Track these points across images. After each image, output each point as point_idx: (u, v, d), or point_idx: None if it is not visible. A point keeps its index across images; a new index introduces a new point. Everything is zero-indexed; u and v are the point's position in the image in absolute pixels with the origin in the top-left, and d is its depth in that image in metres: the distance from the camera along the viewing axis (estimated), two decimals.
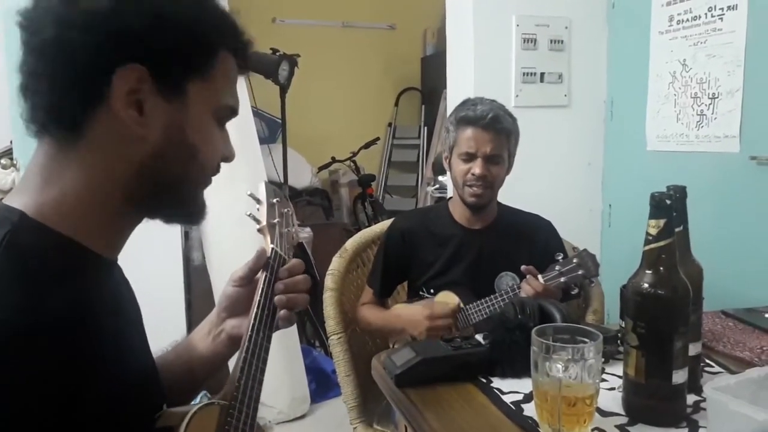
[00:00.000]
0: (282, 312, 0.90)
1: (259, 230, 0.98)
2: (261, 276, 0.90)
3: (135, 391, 0.71)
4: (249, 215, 0.98)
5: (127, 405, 0.68)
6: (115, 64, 0.64)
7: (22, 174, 0.69)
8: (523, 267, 1.51)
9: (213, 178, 0.77)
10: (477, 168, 1.60)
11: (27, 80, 0.67)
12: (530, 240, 1.69)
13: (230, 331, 0.91)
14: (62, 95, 0.66)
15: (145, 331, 0.81)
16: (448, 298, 1.65)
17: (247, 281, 0.92)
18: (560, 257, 1.50)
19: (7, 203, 0.67)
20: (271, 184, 1.05)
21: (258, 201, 1.01)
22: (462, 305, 1.59)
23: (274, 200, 1.00)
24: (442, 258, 1.70)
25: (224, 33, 0.73)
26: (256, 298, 0.88)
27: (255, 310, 0.86)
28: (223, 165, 0.78)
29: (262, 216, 0.99)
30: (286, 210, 1.02)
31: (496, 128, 1.60)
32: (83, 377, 0.61)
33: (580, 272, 1.48)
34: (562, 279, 1.48)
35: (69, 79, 0.65)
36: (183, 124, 0.69)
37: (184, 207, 0.76)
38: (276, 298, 0.89)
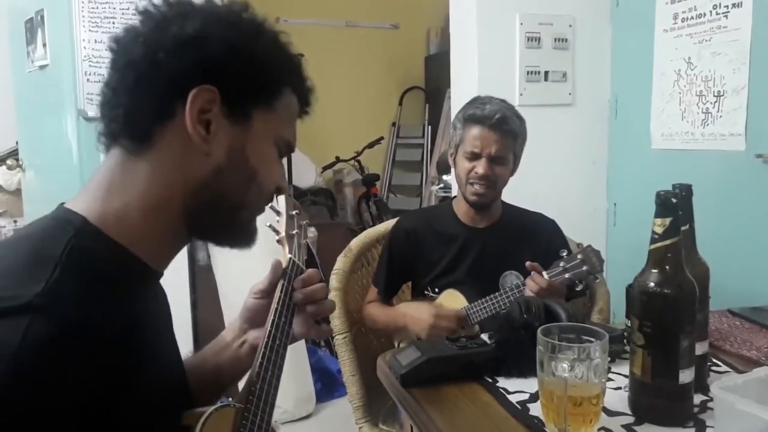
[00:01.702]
0: (324, 327, 0.97)
1: (278, 241, 1.01)
2: (278, 285, 0.93)
3: (167, 397, 0.73)
4: (269, 226, 1.01)
5: (160, 409, 0.70)
6: (192, 83, 0.70)
7: (87, 181, 0.73)
8: (527, 263, 1.51)
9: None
10: (480, 168, 1.60)
11: (109, 96, 0.72)
12: (534, 239, 1.68)
13: (252, 342, 0.94)
14: (140, 108, 0.71)
15: (175, 337, 0.83)
16: (453, 297, 1.65)
17: (267, 293, 0.94)
18: (564, 254, 1.50)
19: (69, 207, 0.70)
20: (288, 195, 1.07)
21: (278, 213, 1.04)
22: (468, 313, 1.59)
23: (294, 212, 1.04)
24: (447, 257, 1.70)
25: (291, 73, 0.80)
26: (273, 306, 0.90)
27: (272, 317, 0.88)
28: None
29: (282, 227, 1.02)
30: (304, 222, 1.06)
31: (503, 129, 1.60)
32: (127, 381, 0.63)
33: (584, 268, 1.47)
34: (567, 275, 1.48)
35: (149, 93, 0.70)
36: (245, 146, 0.75)
37: (239, 231, 0.80)
38: (307, 308, 0.93)
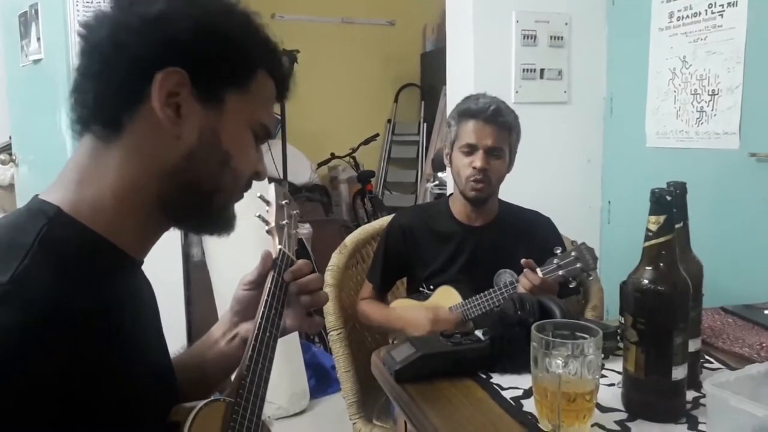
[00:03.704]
0: (316, 319, 0.95)
1: (267, 231, 0.99)
2: (268, 276, 0.91)
3: (153, 389, 0.72)
4: (258, 216, 0.99)
5: (144, 402, 0.69)
6: (159, 66, 0.67)
7: (61, 170, 0.72)
8: (522, 260, 1.51)
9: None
10: (478, 161, 1.60)
11: (78, 81, 0.71)
12: (530, 237, 1.69)
13: (244, 335, 0.92)
14: (108, 92, 0.69)
15: (163, 331, 0.82)
16: (447, 294, 1.65)
17: (256, 285, 0.93)
18: (558, 251, 1.51)
19: (43, 198, 0.69)
20: (278, 185, 1.06)
21: (267, 203, 1.02)
22: (461, 310, 1.59)
23: (283, 202, 1.02)
24: (443, 255, 1.70)
25: (265, 54, 0.77)
26: (264, 297, 0.89)
27: (262, 309, 0.87)
28: None
29: (271, 217, 1.00)
30: (294, 212, 1.04)
31: (498, 121, 1.60)
32: (106, 372, 0.62)
33: (578, 265, 1.48)
34: (560, 272, 1.48)
35: (116, 77, 0.68)
36: (218, 129, 0.72)
37: (216, 216, 0.78)
38: (301, 299, 0.92)
